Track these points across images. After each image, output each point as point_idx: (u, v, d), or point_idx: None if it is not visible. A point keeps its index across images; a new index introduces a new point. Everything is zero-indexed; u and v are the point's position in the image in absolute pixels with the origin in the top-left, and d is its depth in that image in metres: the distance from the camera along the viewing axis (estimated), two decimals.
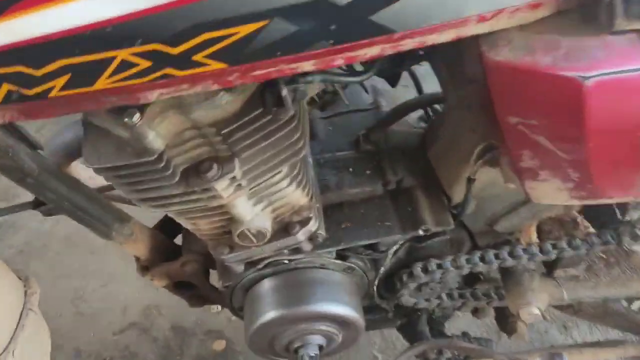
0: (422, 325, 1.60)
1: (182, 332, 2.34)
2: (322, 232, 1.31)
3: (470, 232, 1.46)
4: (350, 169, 1.42)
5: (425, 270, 1.40)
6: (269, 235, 1.26)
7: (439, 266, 1.40)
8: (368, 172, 1.42)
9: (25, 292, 1.58)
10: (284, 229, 1.29)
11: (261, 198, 1.23)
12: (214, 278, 1.54)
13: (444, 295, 1.53)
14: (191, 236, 1.49)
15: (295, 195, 1.26)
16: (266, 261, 1.34)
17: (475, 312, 1.70)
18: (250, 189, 1.18)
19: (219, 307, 2.38)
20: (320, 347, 1.38)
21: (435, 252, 1.42)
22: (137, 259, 1.52)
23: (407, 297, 1.47)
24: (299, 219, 1.28)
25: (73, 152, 1.38)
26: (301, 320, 1.33)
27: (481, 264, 1.39)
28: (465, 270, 1.40)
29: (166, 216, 1.57)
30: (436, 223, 1.35)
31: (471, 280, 1.58)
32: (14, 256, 2.60)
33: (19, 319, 1.49)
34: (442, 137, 1.36)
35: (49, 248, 2.65)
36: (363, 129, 1.46)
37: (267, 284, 1.37)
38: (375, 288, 1.48)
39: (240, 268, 1.36)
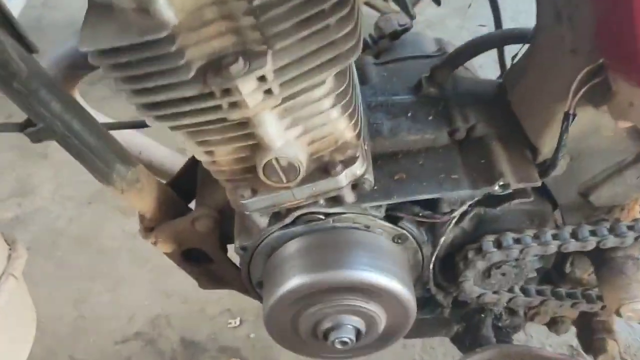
0: (487, 329, 1.26)
1: (192, 347, 2.03)
2: (370, 179, 1.02)
3: (556, 205, 1.15)
4: (409, 114, 1.15)
5: (498, 244, 1.09)
6: (302, 171, 0.98)
7: (517, 241, 1.09)
8: (430, 117, 1.14)
9: (9, 255, 1.33)
10: (322, 169, 1.01)
11: (296, 120, 0.96)
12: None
13: (517, 289, 1.20)
14: (206, 189, 1.22)
15: (340, 125, 0.98)
16: (296, 213, 1.05)
17: (553, 324, 1.36)
18: (282, 102, 0.91)
19: (238, 320, 2.07)
20: (358, 333, 1.07)
21: (509, 226, 1.12)
22: (141, 217, 1.25)
23: (470, 285, 1.15)
24: (342, 159, 1.00)
25: (78, 66, 1.14)
26: (335, 291, 1.03)
27: (573, 241, 1.08)
28: (551, 249, 1.09)
29: (180, 173, 1.31)
30: (518, 178, 1.05)
31: (553, 276, 1.26)
32: None
33: None
34: (530, 73, 1.08)
35: (57, 246, 2.40)
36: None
37: (294, 246, 1.08)
38: (431, 270, 1.17)
39: (263, 222, 1.07)
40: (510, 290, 1.20)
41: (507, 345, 1.22)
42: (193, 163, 1.29)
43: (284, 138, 0.96)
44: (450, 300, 1.26)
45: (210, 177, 1.22)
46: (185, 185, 1.28)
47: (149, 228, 1.23)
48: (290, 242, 1.08)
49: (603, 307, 1.23)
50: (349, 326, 1.06)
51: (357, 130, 1.02)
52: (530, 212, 1.14)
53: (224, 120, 0.93)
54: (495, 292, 1.19)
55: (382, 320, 1.07)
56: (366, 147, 1.06)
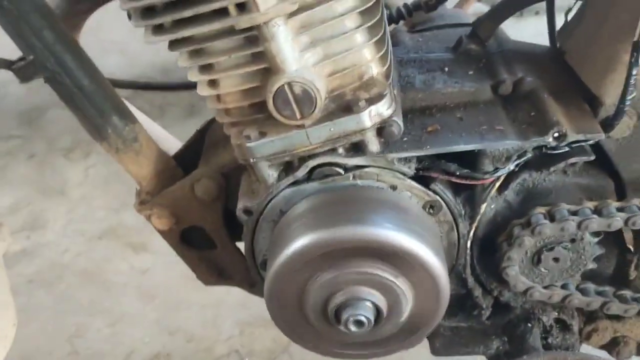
0: (534, 341, 1.04)
1: None
2: (399, 122, 0.87)
3: (617, 178, 0.97)
4: (445, 69, 1.00)
5: (550, 217, 0.91)
6: (319, 104, 0.83)
7: (573, 213, 0.90)
8: (471, 72, 0.99)
9: None
10: (343, 107, 0.86)
11: (315, 41, 0.83)
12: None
13: (572, 286, 1.00)
14: (211, 152, 1.08)
15: (365, 54, 0.85)
16: (311, 164, 0.89)
17: (613, 345, 1.12)
18: (298, 12, 0.79)
19: None
20: (377, 313, 0.87)
21: (562, 200, 0.94)
22: (138, 188, 1.10)
23: (516, 273, 0.96)
24: (367, 96, 0.85)
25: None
26: (352, 255, 0.85)
27: None
28: (615, 224, 0.90)
29: (185, 146, 1.17)
30: (577, 129, 0.88)
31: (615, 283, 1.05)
32: (19, 285, 2.20)
33: None
34: (587, 18, 0.94)
35: (62, 280, 2.23)
36: None
37: (306, 204, 0.91)
38: (468, 254, 0.98)
39: (271, 176, 0.91)
40: (565, 287, 0.99)
41: (562, 352, 0.99)
42: (200, 136, 1.15)
43: (299, 62, 0.82)
44: (490, 301, 1.05)
45: (216, 141, 1.09)
46: (190, 160, 1.14)
47: (144, 200, 1.08)
48: (301, 202, 0.91)
49: None
50: (366, 302, 0.86)
51: (385, 66, 0.88)
52: (587, 188, 0.97)
53: (231, 31, 0.80)
54: (546, 288, 0.99)
55: (407, 299, 0.87)
56: (395, 93, 0.91)
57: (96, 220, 2.51)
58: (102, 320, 2.06)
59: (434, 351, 1.13)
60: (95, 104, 0.99)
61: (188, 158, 1.14)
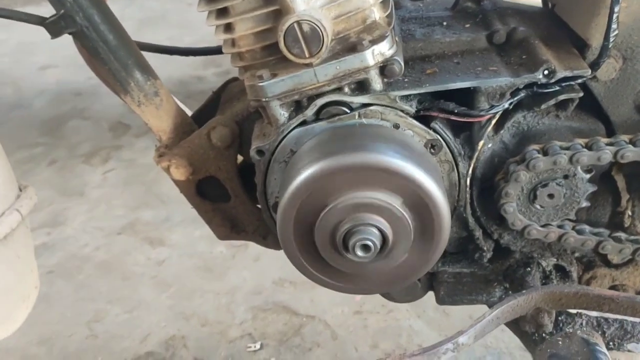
0: (533, 280, 1.09)
1: None
2: (400, 61, 0.94)
3: (607, 122, 1.03)
4: (444, 23, 1.08)
5: (544, 152, 0.97)
6: (326, 39, 0.91)
7: (564, 148, 0.96)
8: (467, 26, 1.07)
9: (19, 195, 1.26)
10: (348, 48, 0.94)
11: None
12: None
13: (568, 227, 1.05)
14: (226, 105, 1.15)
15: None
16: (319, 102, 0.96)
17: None
18: None
19: (258, 344, 1.89)
20: (383, 237, 0.92)
21: (555, 138, 1.00)
22: (157, 144, 1.18)
23: (514, 211, 1.01)
24: (370, 38, 0.93)
25: None
26: (357, 180, 0.90)
27: (631, 147, 0.95)
28: (605, 157, 0.95)
29: (202, 107, 1.25)
30: (565, 66, 0.95)
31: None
32: (39, 275, 2.27)
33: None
34: None
35: (81, 271, 2.30)
36: None
37: (315, 141, 0.97)
38: (468, 193, 1.04)
39: (282, 115, 0.98)
40: (561, 227, 1.04)
41: (559, 285, 1.04)
42: (216, 96, 1.23)
43: (307, 3, 0.90)
44: (490, 244, 1.10)
45: (230, 97, 1.17)
46: (205, 119, 1.21)
47: (163, 153, 1.15)
48: (310, 140, 0.98)
49: None
50: (372, 227, 0.91)
51: (387, 11, 0.95)
52: (578, 131, 1.03)
53: None
54: (543, 226, 1.04)
55: (409, 223, 0.92)
56: (397, 39, 0.98)
57: (115, 218, 2.60)
58: (119, 306, 2.12)
59: (439, 300, 1.18)
60: (119, 58, 1.07)
61: (204, 117, 1.21)
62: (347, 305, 1.97)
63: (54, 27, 1.04)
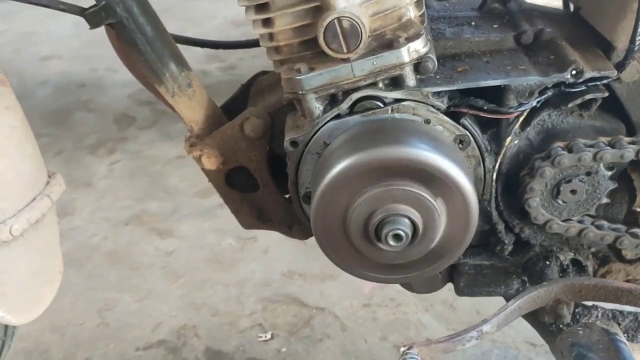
0: (552, 274, 1.13)
1: (218, 357, 1.87)
2: (434, 59, 0.98)
3: (629, 122, 1.07)
4: (472, 23, 1.12)
5: (568, 149, 1.01)
6: (364, 38, 0.94)
7: (588, 146, 1.00)
8: (495, 26, 1.11)
9: (48, 182, 1.29)
10: (384, 44, 0.97)
11: None
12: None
13: (588, 222, 1.09)
14: (258, 97, 1.19)
15: None
16: (354, 96, 1.00)
17: None
18: None
19: (269, 334, 1.92)
20: (414, 226, 0.96)
21: (579, 136, 1.04)
22: (189, 132, 1.20)
23: (537, 205, 1.05)
24: (406, 35, 0.97)
25: None
26: (391, 174, 0.94)
27: None
28: (627, 155, 1.00)
29: (232, 98, 1.28)
30: (592, 67, 0.99)
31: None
32: None
33: (32, 200, 1.19)
34: None
35: (90, 260, 2.32)
36: None
37: (348, 134, 1.01)
38: (494, 188, 1.08)
39: (317, 108, 1.02)
40: (581, 222, 1.08)
41: (578, 278, 1.08)
42: (245, 89, 1.27)
43: (347, 1, 0.94)
44: (511, 238, 1.14)
45: (261, 89, 1.20)
46: (234, 112, 1.24)
47: (194, 143, 1.18)
48: (343, 133, 1.01)
49: None
50: (403, 218, 0.95)
51: (421, 11, 0.99)
52: (601, 130, 1.07)
53: None
54: (564, 221, 1.08)
55: (440, 217, 0.96)
56: (430, 37, 1.02)
57: (122, 209, 2.62)
58: (130, 296, 2.15)
59: (459, 291, 1.22)
60: (156, 49, 1.09)
61: (232, 109, 1.24)
62: (356, 298, 2.01)
63: (94, 17, 1.07)
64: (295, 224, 1.23)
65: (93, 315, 2.07)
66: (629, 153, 0.99)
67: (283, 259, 2.21)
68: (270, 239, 2.22)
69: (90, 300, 2.13)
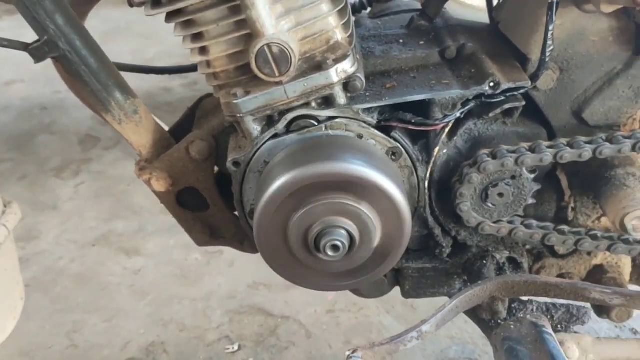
0: (489, 272, 1.20)
1: None
2: (361, 77, 1.04)
3: (549, 127, 1.14)
4: (400, 41, 1.19)
5: (493, 155, 1.07)
6: (294, 62, 1.00)
7: (512, 152, 1.07)
8: (422, 42, 1.17)
9: (4, 211, 1.33)
10: (314, 66, 1.03)
11: (288, 10, 1.01)
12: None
13: (518, 222, 1.16)
14: (203, 121, 1.24)
15: (331, 22, 1.03)
16: (289, 116, 1.05)
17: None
18: None
19: (237, 346, 1.97)
20: (351, 240, 1.02)
21: (504, 143, 1.11)
22: (137, 158, 1.25)
23: (468, 209, 1.12)
24: (334, 57, 1.03)
25: None
26: (325, 188, 1.00)
27: (568, 149, 1.07)
28: (546, 159, 1.07)
29: (178, 122, 1.33)
30: (508, 78, 1.06)
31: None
32: None
33: None
34: None
35: (57, 283, 2.34)
36: None
37: (285, 152, 1.06)
38: (427, 195, 1.14)
39: (256, 130, 1.07)
40: (511, 222, 1.15)
41: (510, 275, 1.15)
42: (191, 112, 1.32)
43: (276, 27, 0.99)
44: (449, 241, 1.21)
45: (205, 113, 1.25)
46: (182, 134, 1.29)
47: (144, 167, 1.23)
48: (282, 151, 1.07)
49: (611, 247, 1.17)
50: (340, 229, 1.01)
51: (348, 32, 1.05)
52: (524, 135, 1.14)
53: (218, 2, 0.97)
54: (495, 223, 1.15)
55: (375, 226, 1.02)
56: (358, 57, 1.08)
57: (88, 230, 2.64)
58: (98, 316, 2.17)
59: (405, 294, 1.28)
60: (100, 79, 1.14)
61: (180, 132, 1.29)
62: (319, 305, 2.06)
63: (38, 52, 1.11)
64: (246, 239, 1.29)
65: (62, 337, 2.09)
66: (548, 156, 1.06)
67: (248, 271, 2.26)
68: (236, 252, 2.25)
69: (58, 323, 2.15)
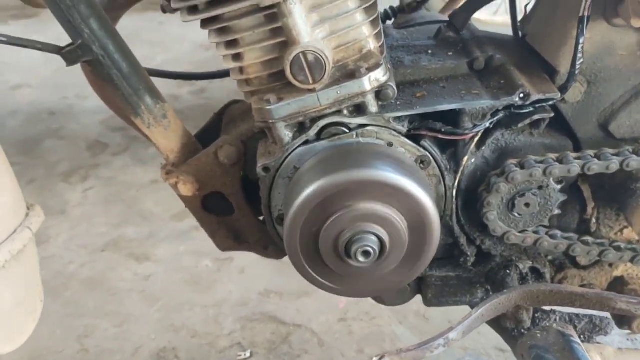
0: (513, 282, 1.21)
1: None
2: (393, 86, 1.05)
3: (575, 138, 1.16)
4: (429, 51, 1.20)
5: (521, 165, 1.09)
6: (328, 70, 1.02)
7: (539, 162, 1.09)
8: (450, 54, 1.19)
9: (28, 214, 1.34)
10: (347, 74, 1.05)
11: (323, 19, 1.02)
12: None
13: (543, 232, 1.17)
14: (231, 126, 1.25)
15: (364, 31, 1.05)
16: (321, 123, 1.07)
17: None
18: None
19: (248, 352, 1.97)
20: (381, 243, 1.02)
21: (530, 153, 1.12)
22: (164, 162, 1.26)
23: (495, 219, 1.13)
24: (367, 66, 1.04)
25: None
26: (357, 195, 1.01)
27: (596, 161, 1.08)
28: (574, 169, 1.08)
29: (206, 127, 1.34)
30: (538, 90, 1.08)
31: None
32: None
33: (12, 233, 1.23)
34: (543, 3, 1.15)
35: (67, 288, 2.34)
36: None
37: (316, 159, 1.07)
38: (454, 204, 1.15)
39: (287, 136, 1.08)
40: (536, 232, 1.17)
41: (536, 285, 1.16)
42: (218, 117, 1.33)
43: (311, 35, 1.01)
44: (473, 250, 1.22)
45: (234, 118, 1.27)
46: (208, 140, 1.30)
47: (170, 170, 1.24)
48: (312, 158, 1.08)
49: (634, 259, 1.18)
50: (371, 235, 1.02)
51: (380, 42, 1.07)
52: (550, 147, 1.15)
53: (255, 10, 0.99)
54: (520, 232, 1.16)
55: (405, 232, 1.03)
56: (389, 66, 1.10)
57: (98, 235, 2.64)
58: (108, 321, 2.17)
59: (427, 302, 1.29)
60: (131, 84, 1.15)
61: (206, 138, 1.30)
62: (331, 314, 2.07)
63: (71, 55, 1.12)
64: (270, 245, 1.29)
65: (72, 342, 2.09)
66: (575, 167, 1.07)
67: (259, 279, 2.26)
68: (246, 259, 2.28)
69: (69, 328, 2.15)
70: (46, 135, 3.58)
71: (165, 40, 4.54)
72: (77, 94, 3.85)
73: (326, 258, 1.06)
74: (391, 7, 1.39)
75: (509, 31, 1.29)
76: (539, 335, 1.07)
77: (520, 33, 1.24)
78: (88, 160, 3.27)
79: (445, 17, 1.39)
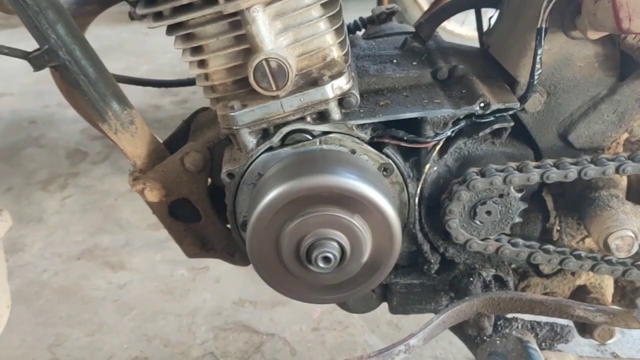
0: (475, 289, 1.22)
1: None
2: (356, 94, 1.07)
3: (536, 148, 1.18)
4: (394, 61, 1.22)
5: (482, 174, 1.10)
6: (291, 77, 1.03)
7: (500, 170, 1.10)
8: (415, 63, 1.21)
9: None
10: (310, 82, 1.06)
11: (286, 27, 1.03)
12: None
13: (504, 240, 1.18)
14: (198, 133, 1.26)
15: (327, 39, 1.06)
16: (284, 130, 1.08)
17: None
18: (273, 2, 0.99)
19: None
20: (342, 251, 1.03)
21: (492, 162, 1.14)
22: (131, 168, 1.26)
23: (457, 226, 1.14)
24: (330, 74, 1.06)
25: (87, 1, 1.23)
26: (317, 201, 1.02)
27: (555, 170, 1.10)
28: (533, 178, 1.10)
29: (174, 134, 1.35)
30: (498, 99, 1.10)
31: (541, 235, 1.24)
32: None
33: None
34: (504, 16, 1.17)
35: (40, 296, 2.32)
36: None
37: (279, 165, 1.08)
38: (416, 211, 1.17)
39: (251, 142, 1.09)
40: (498, 240, 1.18)
41: (496, 292, 1.17)
42: (186, 125, 1.34)
43: (274, 43, 1.02)
44: (437, 257, 1.23)
45: (201, 125, 1.27)
46: (176, 146, 1.31)
47: (137, 177, 1.24)
48: (277, 164, 1.09)
49: (594, 267, 1.20)
50: (332, 241, 1.02)
51: (344, 51, 1.09)
52: (512, 156, 1.17)
53: (219, 17, 1.00)
54: (482, 240, 1.17)
55: (366, 238, 1.04)
56: (353, 74, 1.11)
57: (73, 243, 2.63)
58: (81, 330, 2.15)
59: (392, 309, 1.30)
60: (98, 89, 1.15)
61: (175, 144, 1.31)
62: (305, 323, 2.07)
63: (38, 61, 1.13)
64: (236, 252, 1.30)
65: (43, 351, 2.07)
66: (535, 176, 1.09)
67: (234, 287, 2.26)
68: (222, 268, 2.28)
69: (40, 336, 2.13)
70: (26, 143, 3.57)
71: (150, 51, 4.54)
72: (58, 103, 3.84)
73: (288, 264, 1.06)
74: (361, 18, 1.41)
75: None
76: (498, 342, 1.08)
77: (485, 45, 1.26)
78: (67, 169, 3.25)
79: (413, 29, 1.42)
